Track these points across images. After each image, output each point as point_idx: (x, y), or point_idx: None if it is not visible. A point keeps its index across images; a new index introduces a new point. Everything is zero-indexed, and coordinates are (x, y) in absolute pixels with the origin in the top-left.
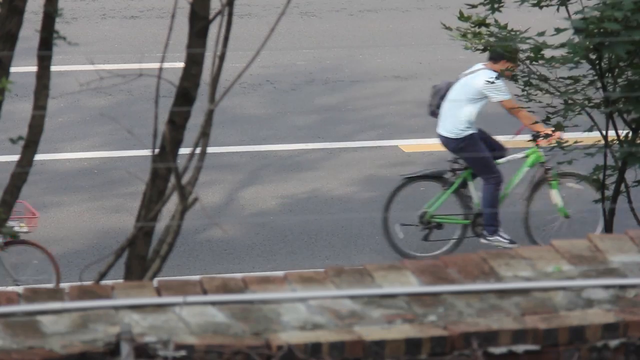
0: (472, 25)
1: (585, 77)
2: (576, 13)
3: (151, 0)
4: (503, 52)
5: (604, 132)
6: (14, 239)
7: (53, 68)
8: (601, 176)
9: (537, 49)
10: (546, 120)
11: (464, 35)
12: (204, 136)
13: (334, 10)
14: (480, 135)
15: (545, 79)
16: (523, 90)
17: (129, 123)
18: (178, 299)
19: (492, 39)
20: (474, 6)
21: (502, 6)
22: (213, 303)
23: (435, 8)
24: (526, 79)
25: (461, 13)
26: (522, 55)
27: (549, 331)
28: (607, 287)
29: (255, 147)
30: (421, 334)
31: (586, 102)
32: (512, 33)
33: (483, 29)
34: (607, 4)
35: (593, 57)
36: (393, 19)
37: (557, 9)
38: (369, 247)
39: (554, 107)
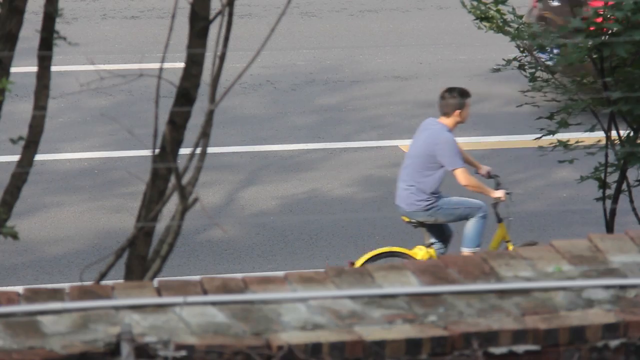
0: (489, 6)
1: (590, 74)
2: (575, 6)
3: (151, 1)
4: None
5: (605, 130)
6: None
7: (53, 68)
8: (602, 175)
9: (540, 47)
10: (550, 117)
11: (478, 16)
12: (205, 136)
13: (334, 11)
14: None
15: (551, 72)
16: (530, 81)
17: (129, 123)
18: (178, 299)
19: (505, 27)
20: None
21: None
22: (213, 303)
23: (435, 8)
24: (533, 70)
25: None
26: (529, 44)
27: (549, 331)
28: (607, 287)
29: (255, 148)
30: (421, 334)
31: (590, 100)
32: (527, 24)
33: (497, 13)
34: (607, 4)
35: (595, 56)
36: (393, 19)
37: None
38: (369, 247)
39: (559, 101)
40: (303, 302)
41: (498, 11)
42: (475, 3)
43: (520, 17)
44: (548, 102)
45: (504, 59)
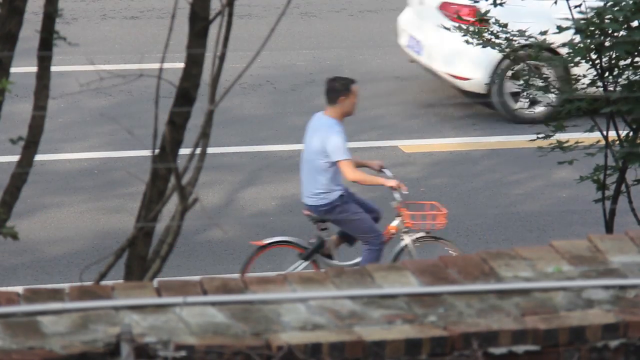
0: (473, 21)
1: (586, 76)
2: (576, 7)
3: (151, 1)
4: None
5: (604, 132)
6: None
7: (53, 68)
8: (602, 176)
9: (539, 47)
10: (546, 122)
11: (464, 34)
12: (204, 137)
13: (334, 11)
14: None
15: (545, 78)
16: (523, 89)
17: (129, 123)
18: (178, 299)
19: (492, 37)
20: (476, 0)
21: (504, 2)
22: (213, 303)
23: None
24: (526, 77)
25: (459, 16)
26: (522, 53)
27: (549, 331)
28: (607, 287)
29: (255, 148)
30: (421, 335)
31: (586, 101)
32: (513, 33)
33: (483, 28)
34: (607, 4)
35: (594, 57)
36: (393, 20)
37: (555, 2)
38: None
39: (554, 106)
40: (303, 302)
41: (483, 26)
42: (458, 24)
43: (505, 25)
44: (544, 107)
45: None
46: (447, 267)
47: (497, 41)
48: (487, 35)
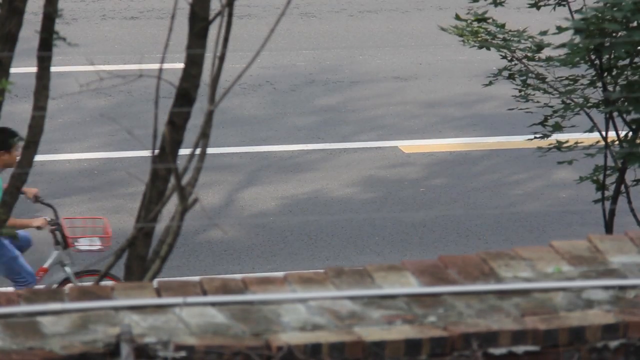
0: (471, 21)
1: (584, 77)
2: (577, 11)
3: (151, 1)
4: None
5: (603, 133)
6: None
7: (53, 69)
8: (601, 177)
9: (538, 47)
10: (543, 123)
11: (461, 34)
12: (204, 137)
13: (333, 11)
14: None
15: (543, 79)
16: (520, 90)
17: (128, 124)
18: (178, 299)
19: (489, 38)
20: (475, 0)
21: (504, 1)
22: (213, 304)
23: (435, 9)
24: (524, 78)
25: (457, 16)
26: (520, 54)
27: (548, 332)
28: (607, 287)
29: (255, 148)
30: (421, 335)
31: (585, 102)
32: (511, 33)
33: (480, 28)
34: (607, 4)
35: (593, 57)
36: (393, 20)
37: (554, 8)
38: (368, 248)
39: (552, 106)
40: (303, 302)
41: (480, 26)
42: (457, 23)
43: (503, 25)
44: (541, 107)
45: (492, 74)
46: (447, 268)
47: (494, 41)
48: (484, 36)
